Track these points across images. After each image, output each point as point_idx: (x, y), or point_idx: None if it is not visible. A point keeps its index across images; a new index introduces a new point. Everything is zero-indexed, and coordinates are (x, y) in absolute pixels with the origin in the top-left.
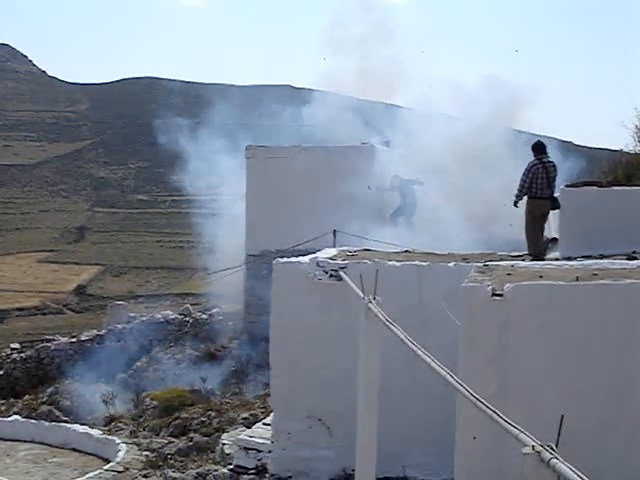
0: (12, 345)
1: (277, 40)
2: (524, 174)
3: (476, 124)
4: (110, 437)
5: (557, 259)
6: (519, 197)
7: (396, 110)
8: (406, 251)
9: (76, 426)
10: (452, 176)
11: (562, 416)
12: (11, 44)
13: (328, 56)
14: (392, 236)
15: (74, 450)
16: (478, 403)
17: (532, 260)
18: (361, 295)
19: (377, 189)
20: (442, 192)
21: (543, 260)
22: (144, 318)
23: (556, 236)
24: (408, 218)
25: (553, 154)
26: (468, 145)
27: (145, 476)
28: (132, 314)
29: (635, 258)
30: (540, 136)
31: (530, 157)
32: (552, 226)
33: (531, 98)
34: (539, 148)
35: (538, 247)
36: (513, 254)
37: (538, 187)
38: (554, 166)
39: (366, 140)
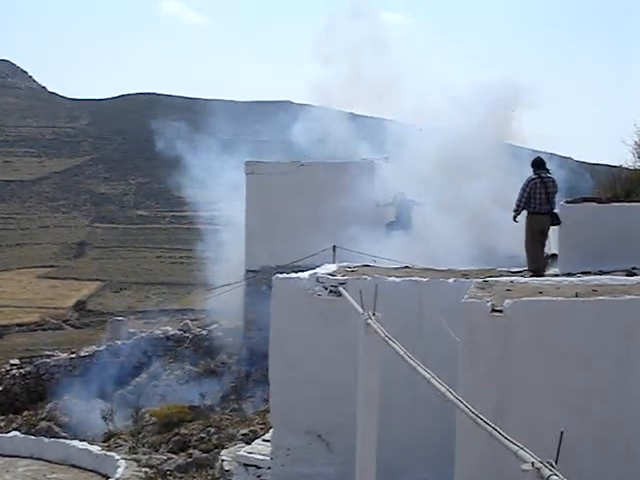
0: (11, 361)
1: (277, 56)
2: (522, 189)
3: (471, 139)
4: (109, 453)
5: (557, 275)
6: (517, 212)
7: (389, 123)
8: (406, 267)
9: (75, 442)
10: (447, 189)
11: (562, 432)
12: (11, 60)
13: (320, 67)
14: (391, 250)
15: (73, 466)
16: (477, 419)
17: (532, 276)
18: (361, 311)
19: (377, 205)
20: (437, 205)
21: (542, 276)
22: (144, 334)
23: (555, 252)
24: (403, 232)
25: (556, 171)
26: (461, 159)
27: None
28: (132, 330)
29: (635, 274)
30: (539, 152)
31: (530, 173)
32: (552, 242)
33: (530, 100)
34: (538, 164)
35: (538, 263)
36: (513, 270)
37: (537, 202)
38: (553, 182)
39: (366, 156)
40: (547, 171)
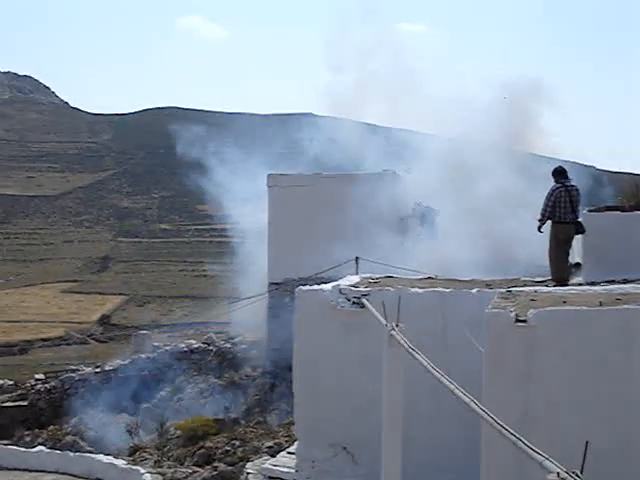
0: (37, 376)
1: (298, 67)
2: (547, 198)
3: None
4: (134, 467)
5: (580, 284)
6: (542, 222)
7: (406, 133)
8: (429, 277)
9: (100, 456)
10: (462, 198)
11: (587, 442)
12: (34, 76)
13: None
14: (415, 260)
15: None
16: (502, 430)
17: (555, 285)
18: (384, 322)
19: (401, 218)
20: (454, 213)
21: (567, 285)
22: (168, 347)
23: (579, 261)
24: (428, 242)
25: (579, 179)
26: (475, 167)
27: None
28: (156, 343)
29: None
30: (561, 161)
31: (550, 182)
32: (575, 251)
33: (549, 97)
34: (560, 173)
35: (562, 272)
36: (536, 279)
37: (561, 211)
38: (577, 190)
39: (387, 167)
40: (569, 179)
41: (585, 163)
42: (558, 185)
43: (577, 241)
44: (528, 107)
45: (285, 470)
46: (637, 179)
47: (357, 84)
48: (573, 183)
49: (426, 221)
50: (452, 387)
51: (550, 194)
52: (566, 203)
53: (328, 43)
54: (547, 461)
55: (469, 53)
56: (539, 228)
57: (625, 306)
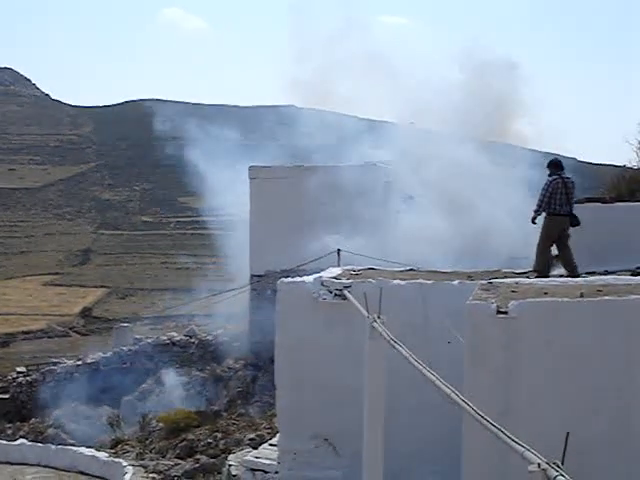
0: (18, 369)
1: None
2: (544, 189)
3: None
4: (117, 460)
5: (561, 275)
6: (538, 212)
7: (387, 126)
8: (410, 269)
9: (83, 449)
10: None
11: (567, 433)
12: (14, 68)
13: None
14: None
15: (81, 473)
16: (483, 421)
17: (536, 277)
18: (366, 314)
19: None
20: (432, 202)
21: (547, 277)
22: (150, 340)
23: (557, 253)
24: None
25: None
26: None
27: None
28: (138, 336)
29: (639, 274)
30: (541, 152)
31: (541, 174)
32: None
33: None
34: (556, 165)
35: (545, 264)
36: (517, 271)
37: (557, 203)
38: (573, 182)
39: (369, 159)
40: (564, 172)
41: (566, 155)
42: (555, 177)
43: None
44: (501, 91)
45: (267, 462)
46: (618, 171)
47: (322, 72)
48: (569, 175)
49: (406, 208)
50: (433, 378)
51: (547, 185)
52: (562, 195)
53: (293, 32)
54: (528, 452)
55: (450, 45)
56: (533, 219)
57: (606, 297)
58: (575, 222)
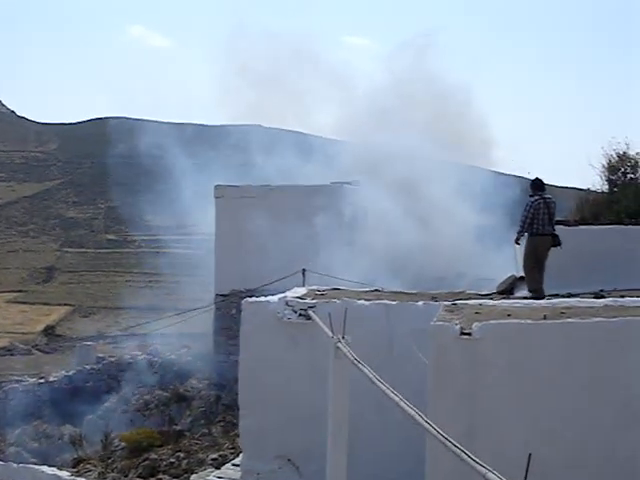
0: None
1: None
2: (526, 210)
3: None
4: (78, 478)
5: (525, 297)
6: (521, 233)
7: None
8: (375, 290)
9: (44, 467)
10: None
11: (530, 455)
12: None
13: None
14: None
15: None
16: (447, 442)
17: (532, 297)
18: (330, 334)
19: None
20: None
21: (543, 297)
22: (113, 359)
23: (523, 274)
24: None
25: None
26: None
27: None
28: (101, 355)
29: (603, 297)
30: (506, 175)
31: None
32: (519, 264)
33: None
34: (538, 186)
35: (538, 284)
36: (482, 293)
37: (540, 224)
38: (554, 203)
39: (335, 180)
40: (546, 192)
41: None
42: (537, 197)
43: (521, 255)
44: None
45: None
46: (582, 194)
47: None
48: (550, 196)
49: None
50: (397, 399)
51: (529, 206)
52: (544, 215)
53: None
54: (491, 473)
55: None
56: (517, 240)
57: (569, 320)
58: (557, 242)
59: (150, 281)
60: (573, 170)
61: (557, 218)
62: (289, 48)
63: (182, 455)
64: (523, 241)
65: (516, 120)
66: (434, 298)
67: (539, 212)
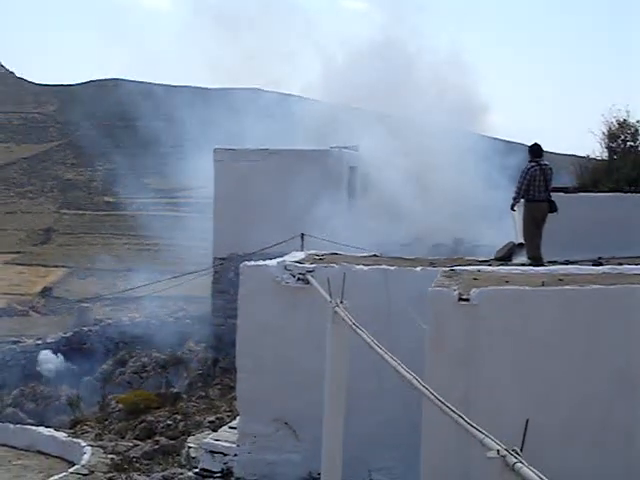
0: None
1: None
2: (521, 176)
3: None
4: (75, 440)
5: (523, 264)
6: (516, 200)
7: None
8: (374, 255)
9: (41, 428)
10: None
11: (527, 420)
12: None
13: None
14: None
15: (39, 453)
16: (444, 407)
17: (531, 264)
18: (328, 299)
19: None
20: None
21: (543, 264)
22: (110, 321)
23: (522, 241)
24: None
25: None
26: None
27: (110, 479)
28: (98, 317)
29: (601, 264)
30: (504, 141)
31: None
32: (518, 231)
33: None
34: (536, 151)
35: (537, 250)
36: (480, 259)
37: (535, 190)
38: (551, 169)
39: (336, 144)
40: (543, 158)
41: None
42: (533, 164)
43: (520, 221)
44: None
45: (226, 445)
46: (581, 161)
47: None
48: (547, 162)
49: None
50: (395, 364)
51: (525, 173)
52: (540, 182)
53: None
54: (487, 438)
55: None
56: (512, 206)
57: (567, 286)
58: (553, 208)
59: (148, 244)
60: (572, 137)
61: (556, 185)
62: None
63: (179, 417)
64: (519, 208)
65: (516, 86)
66: (432, 264)
67: (535, 179)
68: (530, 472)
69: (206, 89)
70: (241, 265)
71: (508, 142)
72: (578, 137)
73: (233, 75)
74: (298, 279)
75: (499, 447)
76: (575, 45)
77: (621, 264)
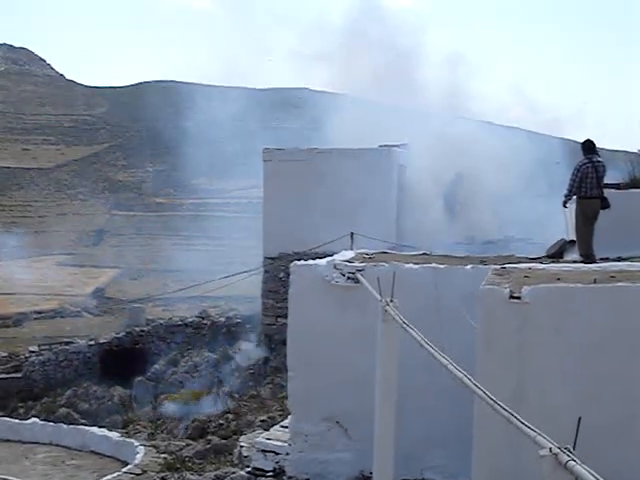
0: (31, 348)
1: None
2: (573, 174)
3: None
4: (128, 439)
5: (575, 261)
6: (568, 197)
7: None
8: (424, 254)
9: (94, 429)
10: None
11: (579, 418)
12: (29, 48)
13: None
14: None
15: (92, 453)
16: (495, 405)
17: (582, 261)
18: (378, 298)
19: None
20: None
21: (594, 261)
22: (162, 321)
23: (574, 238)
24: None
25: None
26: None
27: (163, 478)
28: (150, 317)
29: None
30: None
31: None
32: (570, 228)
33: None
34: (589, 147)
35: (589, 248)
36: (531, 256)
37: (587, 187)
38: (603, 166)
39: (385, 142)
40: (597, 154)
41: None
42: (585, 161)
43: (572, 218)
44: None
45: (278, 444)
46: (632, 157)
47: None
48: (600, 158)
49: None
50: (445, 362)
51: (577, 169)
52: (592, 179)
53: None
54: (539, 437)
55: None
56: (564, 203)
57: (619, 284)
58: (606, 204)
59: (198, 244)
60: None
61: (608, 181)
62: None
63: (231, 417)
64: (571, 205)
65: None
66: (483, 262)
67: (587, 175)
68: (583, 470)
69: (254, 89)
70: (291, 265)
71: (566, 140)
72: (628, 132)
73: (281, 75)
74: (348, 278)
75: (551, 445)
76: (625, 40)
77: None
